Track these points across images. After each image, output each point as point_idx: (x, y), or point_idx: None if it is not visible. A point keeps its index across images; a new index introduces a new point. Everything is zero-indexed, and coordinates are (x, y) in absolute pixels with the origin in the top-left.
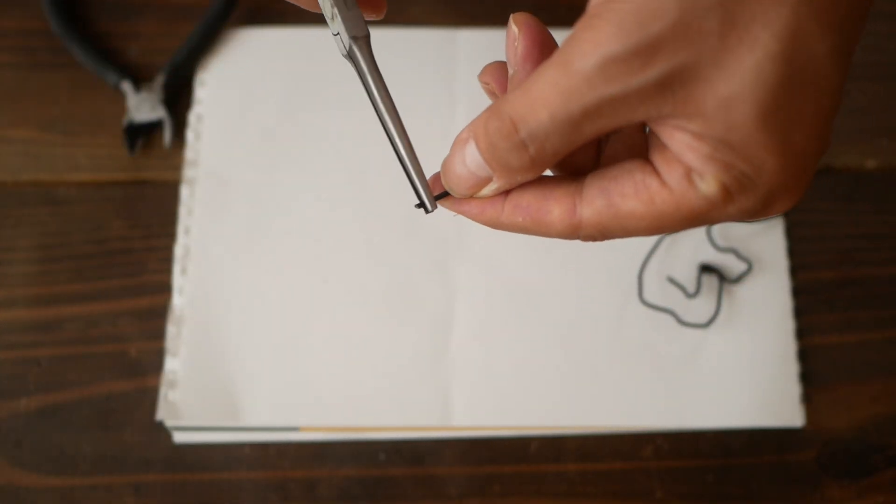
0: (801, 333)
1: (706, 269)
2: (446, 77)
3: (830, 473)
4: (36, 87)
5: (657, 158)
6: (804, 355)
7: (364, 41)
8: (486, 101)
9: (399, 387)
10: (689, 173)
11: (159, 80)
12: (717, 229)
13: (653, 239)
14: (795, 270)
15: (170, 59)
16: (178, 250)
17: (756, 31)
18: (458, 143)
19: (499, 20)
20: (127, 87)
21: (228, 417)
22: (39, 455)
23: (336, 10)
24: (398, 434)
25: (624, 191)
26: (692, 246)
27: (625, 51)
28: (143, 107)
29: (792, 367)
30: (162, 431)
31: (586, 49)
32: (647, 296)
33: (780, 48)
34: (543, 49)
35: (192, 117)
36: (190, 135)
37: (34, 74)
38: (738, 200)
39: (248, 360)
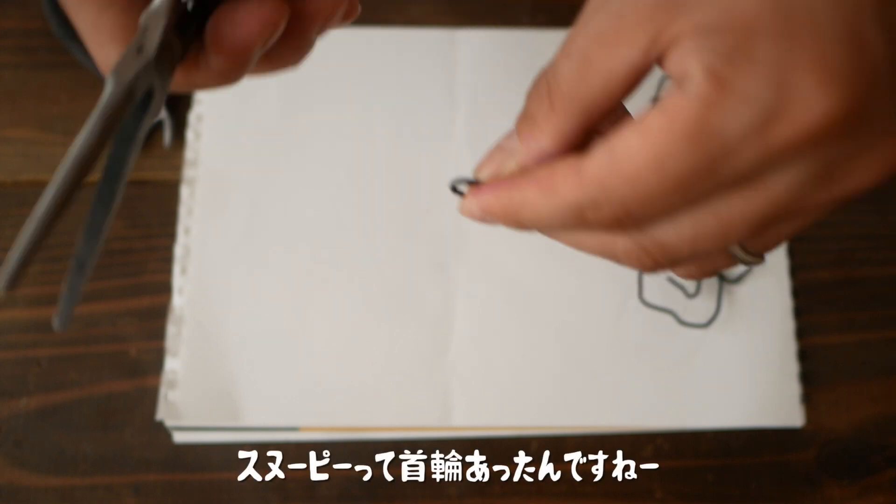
0: (801, 333)
1: None
2: (446, 77)
3: (830, 473)
4: (36, 87)
5: None
6: (804, 355)
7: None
8: (487, 103)
9: (399, 387)
10: (681, 83)
11: None
12: None
13: None
14: (795, 270)
15: None
16: (178, 250)
17: None
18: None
19: (499, 20)
20: None
21: (228, 417)
22: (39, 455)
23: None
24: (398, 434)
25: (622, 131)
26: None
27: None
28: None
29: (792, 367)
30: (162, 431)
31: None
32: (647, 296)
33: None
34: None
35: (192, 117)
36: (190, 135)
37: (34, 74)
38: (736, 85)
39: (248, 360)
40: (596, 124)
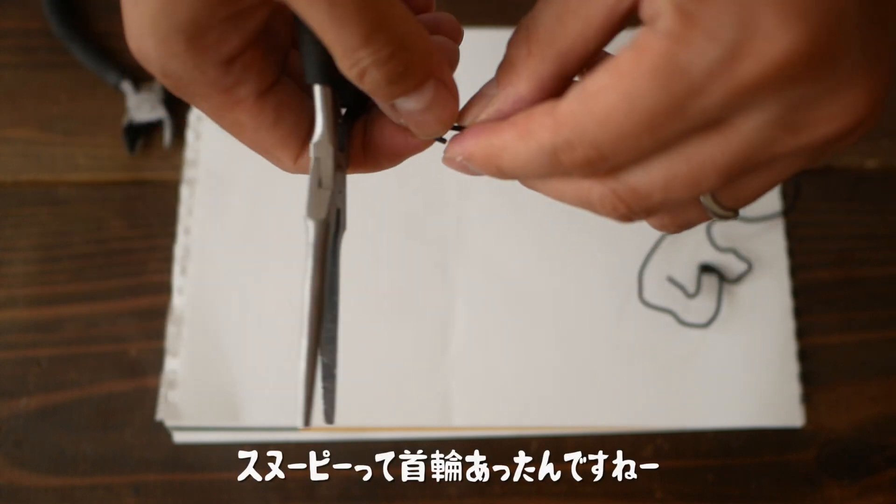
0: (801, 333)
1: (706, 269)
2: None
3: (830, 473)
4: (36, 87)
5: None
6: (804, 355)
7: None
8: None
9: (399, 387)
10: (652, 22)
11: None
12: (717, 229)
13: (653, 239)
14: (795, 270)
15: None
16: (178, 250)
17: None
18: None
19: (499, 20)
20: (127, 87)
21: (228, 417)
22: (39, 455)
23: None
24: (398, 434)
25: (594, 72)
26: (692, 246)
27: None
28: (143, 107)
29: (792, 367)
30: (162, 431)
31: None
32: (647, 296)
33: None
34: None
35: (192, 117)
36: (190, 135)
37: (34, 74)
38: (703, 21)
39: (248, 360)
40: (573, 72)
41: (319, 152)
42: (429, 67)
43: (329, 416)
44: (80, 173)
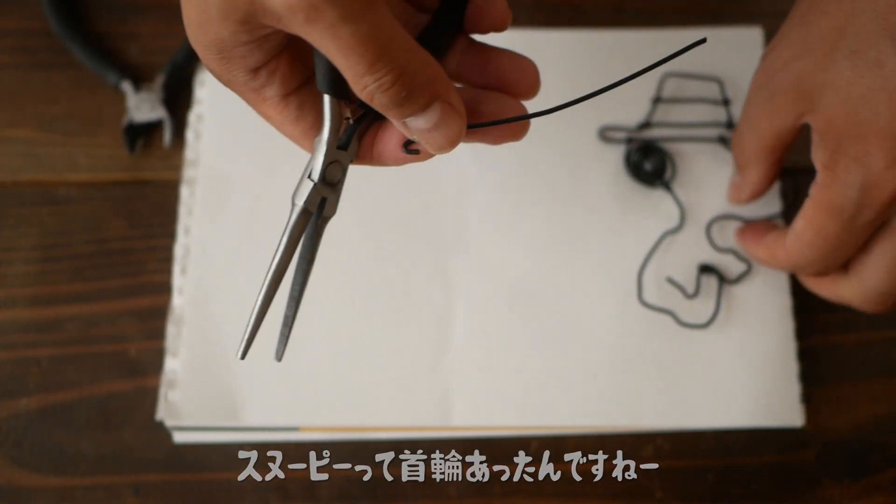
0: (801, 333)
1: (705, 269)
2: None
3: (830, 473)
4: (36, 87)
5: None
6: (804, 355)
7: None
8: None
9: (399, 387)
10: (817, 173)
11: (159, 80)
12: (717, 230)
13: (652, 239)
14: None
15: (170, 59)
16: (178, 250)
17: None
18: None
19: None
20: (127, 87)
21: (228, 417)
22: (39, 455)
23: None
24: (398, 434)
25: (798, 217)
26: (691, 246)
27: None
28: (143, 107)
29: (792, 367)
30: (162, 431)
31: None
32: (647, 296)
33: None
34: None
35: (192, 117)
36: (190, 135)
37: (34, 74)
38: (838, 174)
39: (248, 360)
40: (780, 159)
41: (318, 149)
42: (434, 91)
43: (279, 354)
44: (80, 173)
